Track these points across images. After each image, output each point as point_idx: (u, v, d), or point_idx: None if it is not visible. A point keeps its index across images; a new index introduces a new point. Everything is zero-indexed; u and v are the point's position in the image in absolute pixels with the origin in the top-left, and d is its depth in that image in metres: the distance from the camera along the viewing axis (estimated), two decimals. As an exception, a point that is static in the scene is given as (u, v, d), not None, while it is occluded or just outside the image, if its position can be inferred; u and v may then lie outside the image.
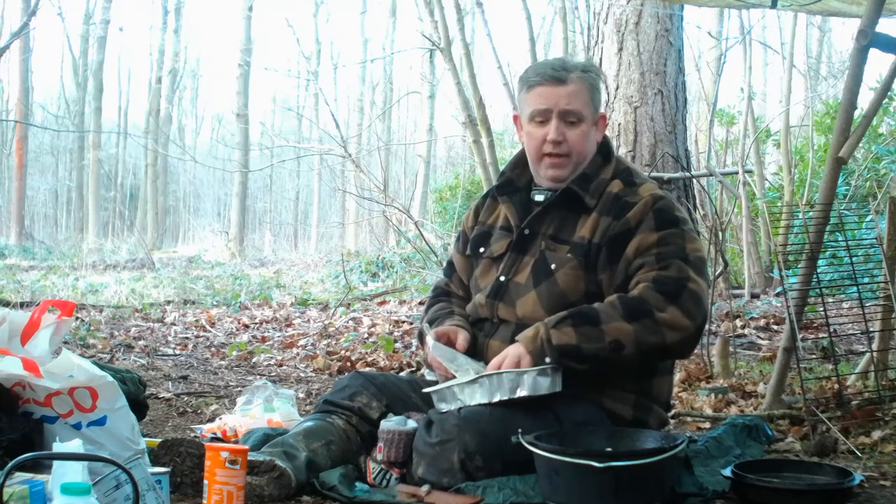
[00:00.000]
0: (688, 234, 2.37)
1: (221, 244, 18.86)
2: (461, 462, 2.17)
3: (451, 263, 2.76)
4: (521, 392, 2.24)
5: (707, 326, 4.25)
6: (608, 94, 6.34)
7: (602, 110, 2.51)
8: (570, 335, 2.25)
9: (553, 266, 2.39)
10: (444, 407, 2.31)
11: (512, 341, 2.41)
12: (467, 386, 2.28)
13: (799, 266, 3.36)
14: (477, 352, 2.45)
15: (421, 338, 2.62)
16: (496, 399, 2.25)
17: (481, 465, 2.17)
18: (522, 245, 2.47)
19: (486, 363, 2.39)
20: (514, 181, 2.57)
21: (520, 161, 2.58)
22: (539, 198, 2.50)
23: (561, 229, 2.44)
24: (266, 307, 7.95)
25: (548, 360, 2.24)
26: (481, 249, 2.58)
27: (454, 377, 2.36)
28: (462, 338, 2.45)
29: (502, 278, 2.47)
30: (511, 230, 2.51)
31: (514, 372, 2.26)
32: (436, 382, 2.49)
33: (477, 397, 2.27)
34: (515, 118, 2.56)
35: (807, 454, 2.70)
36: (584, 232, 2.40)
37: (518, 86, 2.53)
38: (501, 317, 2.46)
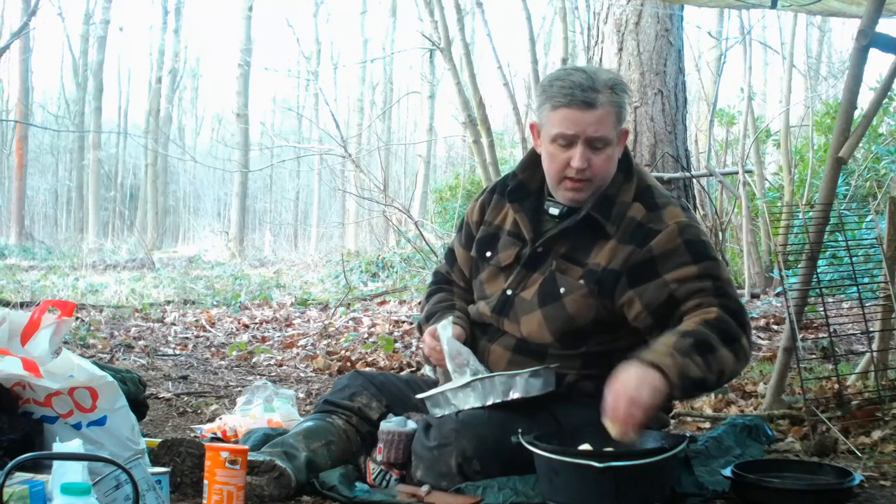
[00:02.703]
0: (721, 264, 2.31)
1: (221, 244, 18.85)
2: (459, 466, 2.17)
3: (451, 252, 2.68)
4: (515, 394, 2.23)
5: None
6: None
7: (625, 123, 2.38)
8: (699, 366, 2.09)
9: (562, 290, 2.32)
10: (437, 412, 2.30)
11: (515, 350, 2.37)
12: (460, 390, 2.27)
13: (799, 266, 3.36)
14: (477, 354, 2.42)
15: (420, 329, 2.59)
16: (489, 402, 2.24)
17: (479, 469, 2.17)
18: (533, 262, 2.39)
19: (487, 366, 2.38)
20: (525, 185, 2.45)
21: (531, 162, 2.46)
22: (553, 211, 2.39)
23: (575, 250, 2.35)
24: (266, 307, 7.94)
25: (677, 393, 2.11)
26: (488, 254, 2.49)
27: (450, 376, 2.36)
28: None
29: (509, 292, 2.40)
30: (520, 237, 2.43)
31: (507, 374, 2.25)
32: (437, 382, 2.49)
33: (471, 401, 2.26)
34: (532, 126, 2.42)
35: (807, 454, 2.70)
36: (600, 259, 2.31)
37: (540, 95, 2.36)
38: (505, 330, 2.42)
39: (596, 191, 2.34)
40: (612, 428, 2.05)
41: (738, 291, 7.43)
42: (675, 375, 2.05)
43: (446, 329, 2.39)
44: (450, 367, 2.36)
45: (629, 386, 2.04)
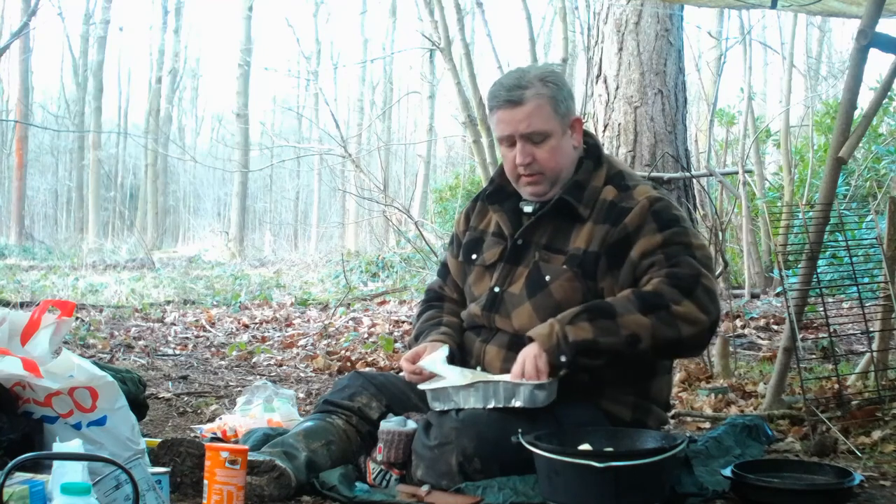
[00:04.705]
0: (691, 232, 2.35)
1: (221, 244, 18.86)
2: (459, 465, 2.17)
3: (444, 265, 2.73)
4: (517, 403, 2.23)
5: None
6: (608, 95, 6.33)
7: (576, 112, 2.45)
8: (586, 330, 2.20)
9: (547, 278, 2.36)
10: (437, 406, 2.30)
11: (509, 348, 2.38)
12: (462, 389, 2.27)
13: (799, 266, 3.36)
14: (473, 357, 2.44)
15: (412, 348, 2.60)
16: (490, 406, 2.24)
17: (479, 468, 2.17)
18: (515, 255, 2.44)
19: (483, 369, 2.39)
20: (504, 187, 2.52)
21: None
22: (528, 209, 2.46)
23: (554, 239, 2.40)
24: (266, 307, 7.95)
25: (563, 358, 2.19)
26: (473, 256, 2.55)
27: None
28: (426, 353, 2.41)
29: (496, 289, 2.44)
30: (503, 237, 2.49)
31: (512, 382, 2.24)
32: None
33: (471, 402, 2.26)
34: None
35: (807, 454, 2.70)
36: (579, 242, 2.36)
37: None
38: (498, 326, 2.44)
39: (555, 181, 2.41)
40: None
41: (738, 292, 7.40)
42: (546, 339, 2.21)
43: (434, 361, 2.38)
44: (446, 372, 2.36)
45: (517, 367, 2.24)
